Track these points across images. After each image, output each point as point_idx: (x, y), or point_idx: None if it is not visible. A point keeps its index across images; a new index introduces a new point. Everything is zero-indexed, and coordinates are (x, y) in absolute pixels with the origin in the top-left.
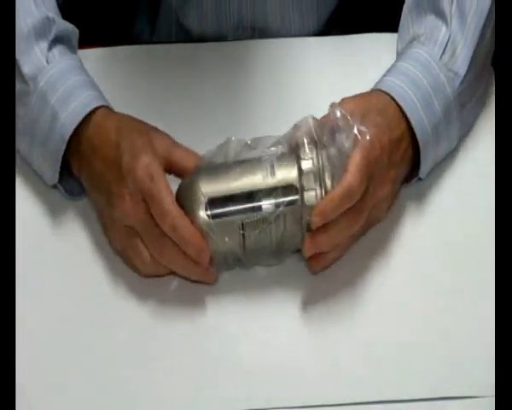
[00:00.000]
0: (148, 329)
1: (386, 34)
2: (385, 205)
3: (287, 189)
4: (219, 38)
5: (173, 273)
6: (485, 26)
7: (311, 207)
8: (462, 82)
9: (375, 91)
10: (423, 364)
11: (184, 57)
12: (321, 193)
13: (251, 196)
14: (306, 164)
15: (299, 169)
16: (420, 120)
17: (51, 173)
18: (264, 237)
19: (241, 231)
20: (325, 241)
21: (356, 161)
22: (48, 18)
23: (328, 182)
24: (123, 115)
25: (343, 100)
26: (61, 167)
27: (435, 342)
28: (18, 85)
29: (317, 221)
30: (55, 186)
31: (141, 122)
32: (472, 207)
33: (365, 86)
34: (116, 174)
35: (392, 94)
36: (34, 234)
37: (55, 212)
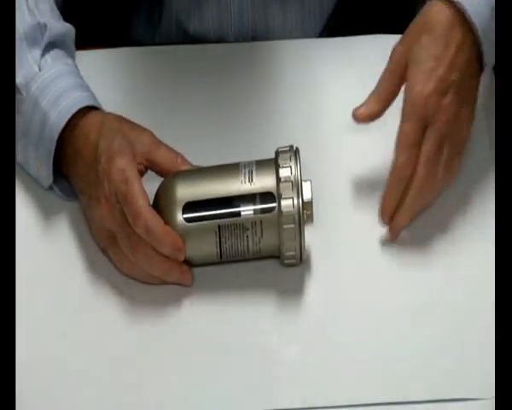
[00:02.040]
0: (147, 330)
1: (387, 36)
2: (463, 121)
3: (264, 196)
4: (221, 42)
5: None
6: None
7: (288, 215)
8: None
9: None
10: (423, 366)
11: (185, 59)
12: (298, 202)
13: (228, 201)
14: (284, 172)
15: (278, 177)
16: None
17: (46, 175)
18: (241, 243)
19: (218, 237)
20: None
21: (400, 136)
22: (39, 24)
23: (306, 191)
24: (106, 115)
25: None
26: (56, 169)
27: (434, 343)
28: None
29: (385, 221)
30: (51, 188)
31: (123, 121)
32: (471, 206)
33: (367, 87)
34: (94, 177)
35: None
36: (34, 235)
37: (53, 213)
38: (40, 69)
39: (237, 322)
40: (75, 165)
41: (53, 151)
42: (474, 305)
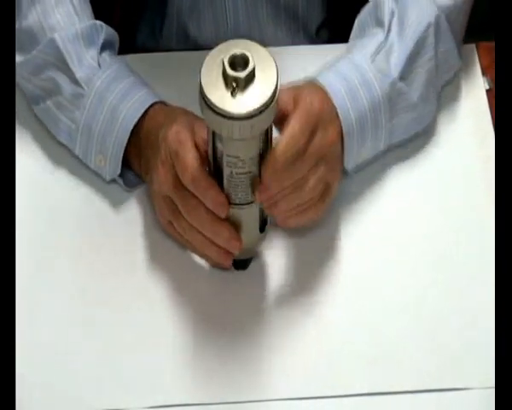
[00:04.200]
0: (148, 320)
1: None
2: (336, 166)
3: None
4: None
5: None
6: (422, 42)
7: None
8: (392, 83)
9: (307, 82)
10: (423, 356)
11: (184, 64)
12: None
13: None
14: None
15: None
16: (345, 107)
17: (112, 167)
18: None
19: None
20: (275, 185)
21: (297, 113)
22: (95, 24)
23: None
24: (176, 106)
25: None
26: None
27: (435, 334)
28: (70, 90)
29: (266, 175)
30: (113, 181)
31: (189, 111)
32: (471, 199)
33: None
34: (155, 152)
35: (321, 81)
36: (33, 224)
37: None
38: (100, 66)
39: (237, 314)
40: (145, 151)
41: (125, 142)
42: (474, 297)
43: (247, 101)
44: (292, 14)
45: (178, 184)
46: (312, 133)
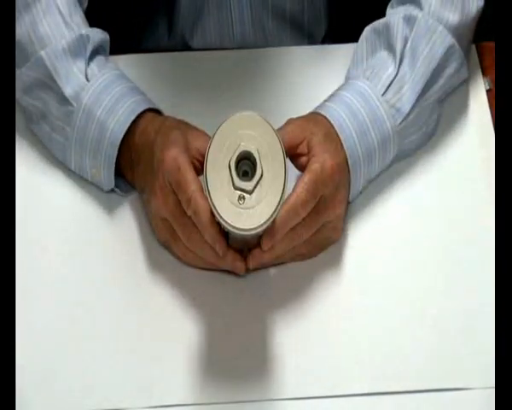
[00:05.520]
0: (147, 318)
1: None
2: (339, 225)
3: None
4: None
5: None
6: (436, 73)
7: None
8: (404, 119)
9: (320, 116)
10: (424, 356)
11: (184, 66)
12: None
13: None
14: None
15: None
16: (354, 149)
17: (107, 181)
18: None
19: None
20: (268, 256)
21: (303, 181)
22: (82, 36)
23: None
24: (166, 117)
25: (289, 120)
26: (115, 172)
27: (436, 333)
28: (60, 109)
29: (264, 243)
30: (112, 191)
31: (181, 121)
32: (471, 199)
33: None
34: (151, 172)
35: (333, 123)
36: (35, 224)
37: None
38: (88, 79)
39: (236, 315)
40: (137, 166)
41: (114, 158)
42: (474, 297)
43: (255, 214)
44: (297, 25)
45: (178, 209)
46: (319, 199)
